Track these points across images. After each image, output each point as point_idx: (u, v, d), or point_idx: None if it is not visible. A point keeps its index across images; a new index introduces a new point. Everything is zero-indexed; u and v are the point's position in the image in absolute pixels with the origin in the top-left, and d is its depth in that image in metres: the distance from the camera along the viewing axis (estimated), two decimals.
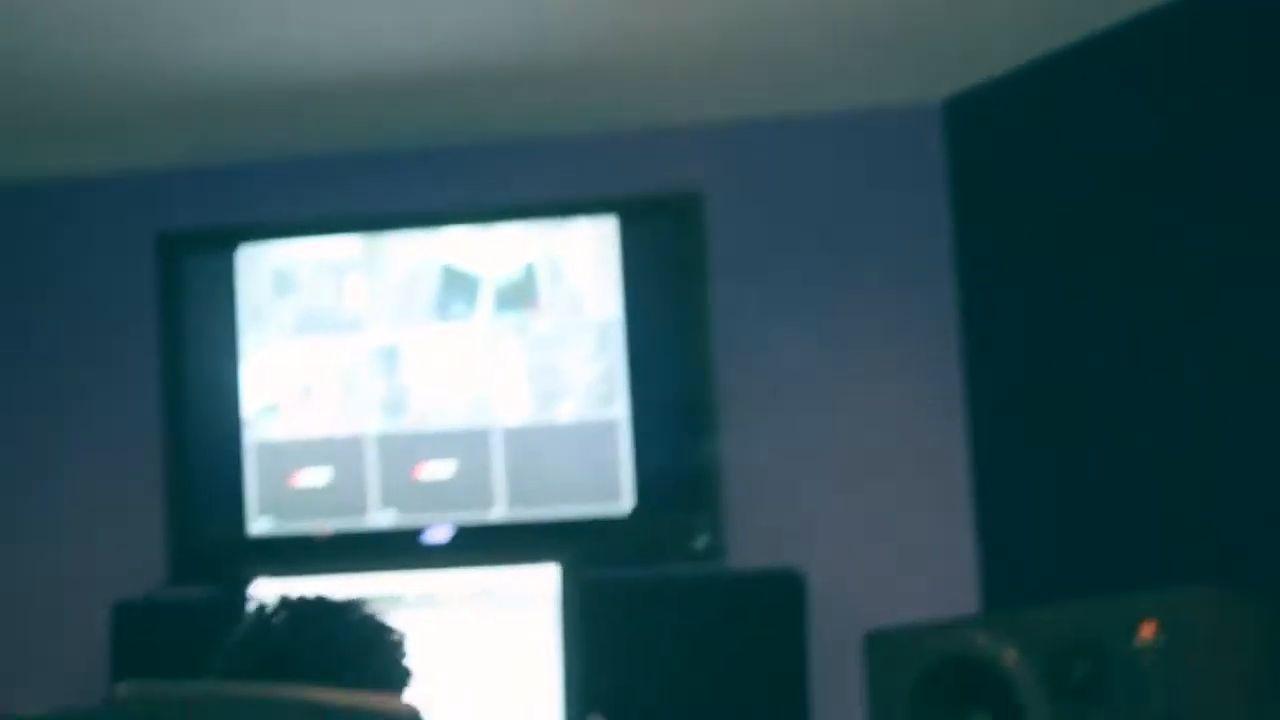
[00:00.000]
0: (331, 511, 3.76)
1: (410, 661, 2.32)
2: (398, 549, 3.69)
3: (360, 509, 3.75)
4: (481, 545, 3.66)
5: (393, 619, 3.40)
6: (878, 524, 3.75)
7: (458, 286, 3.78)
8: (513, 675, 3.44)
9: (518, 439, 3.73)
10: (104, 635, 3.76)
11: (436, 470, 3.75)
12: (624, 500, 3.69)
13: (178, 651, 2.53)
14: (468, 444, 3.74)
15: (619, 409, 3.71)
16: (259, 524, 3.77)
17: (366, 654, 2.27)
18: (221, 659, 2.25)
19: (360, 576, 3.51)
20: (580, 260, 3.75)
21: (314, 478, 3.77)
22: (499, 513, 3.71)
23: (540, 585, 3.47)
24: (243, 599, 3.39)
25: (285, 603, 2.30)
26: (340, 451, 3.78)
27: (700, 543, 3.69)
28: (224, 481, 3.79)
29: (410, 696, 2.27)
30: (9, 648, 3.88)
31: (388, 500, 3.75)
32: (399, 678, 2.29)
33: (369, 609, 2.33)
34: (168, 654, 2.83)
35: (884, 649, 3.19)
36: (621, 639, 3.57)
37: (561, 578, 3.47)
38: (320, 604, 2.32)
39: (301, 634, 2.25)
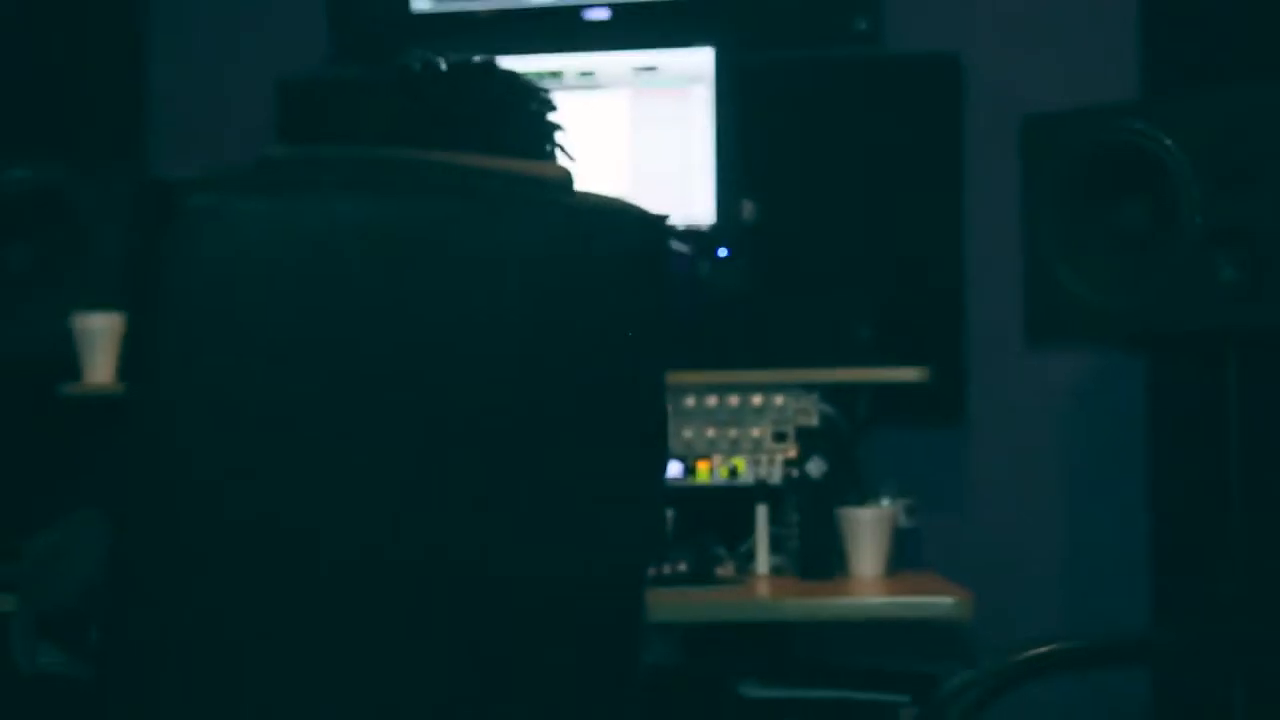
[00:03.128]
0: None
1: (560, 119, 2.25)
2: (559, 27, 3.70)
3: None
4: (640, 25, 3.65)
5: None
6: (1038, 9, 3.70)
7: None
8: (667, 159, 3.47)
9: None
10: (269, 113, 3.83)
11: None
12: None
13: (340, 129, 2.57)
14: None
15: None
16: (421, 1, 3.78)
17: (520, 113, 2.21)
18: (377, 123, 2.20)
19: (520, 56, 3.53)
20: None
21: None
22: None
23: (697, 67, 3.47)
24: None
25: (433, 65, 2.22)
26: None
27: (859, 24, 3.66)
28: None
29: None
30: (178, 126, 3.96)
31: None
32: (551, 137, 2.23)
33: (513, 70, 2.25)
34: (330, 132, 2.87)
35: (1040, 134, 3.17)
36: (776, 123, 3.59)
37: (717, 59, 3.47)
38: (471, 65, 2.23)
39: (461, 94, 2.19)
